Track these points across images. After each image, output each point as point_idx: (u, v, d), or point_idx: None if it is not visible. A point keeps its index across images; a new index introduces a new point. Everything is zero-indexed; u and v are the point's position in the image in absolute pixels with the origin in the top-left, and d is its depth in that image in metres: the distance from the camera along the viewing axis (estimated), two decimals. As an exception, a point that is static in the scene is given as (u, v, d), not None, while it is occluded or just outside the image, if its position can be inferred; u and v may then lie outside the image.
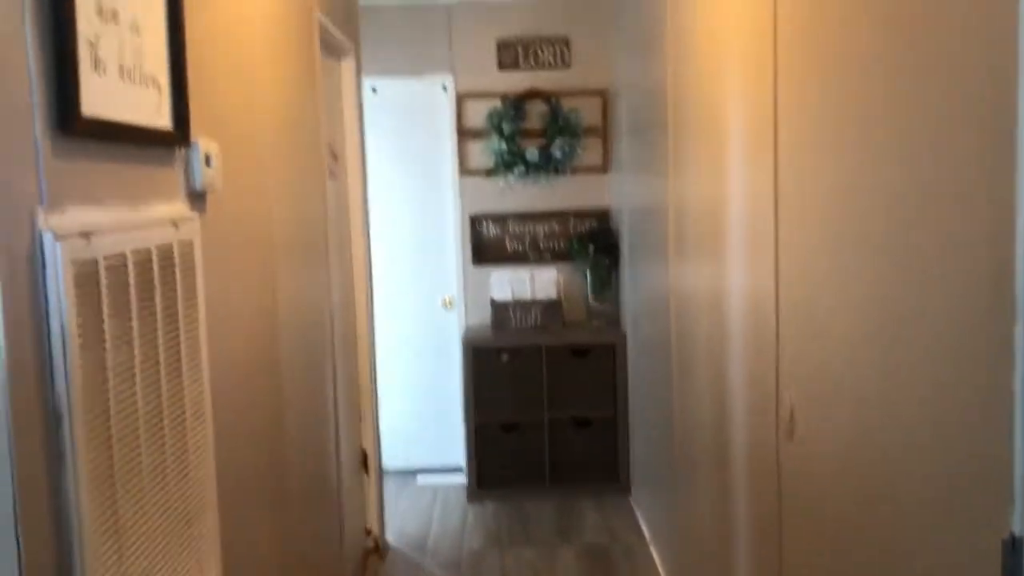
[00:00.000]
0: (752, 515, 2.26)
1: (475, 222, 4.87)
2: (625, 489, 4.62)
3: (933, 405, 1.26)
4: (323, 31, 3.14)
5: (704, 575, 2.89)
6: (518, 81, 4.77)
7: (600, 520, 4.35)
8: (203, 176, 1.70)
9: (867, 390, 1.49)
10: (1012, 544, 1.03)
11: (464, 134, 4.83)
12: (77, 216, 1.24)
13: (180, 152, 1.65)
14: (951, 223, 1.19)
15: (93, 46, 1.28)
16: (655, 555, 3.86)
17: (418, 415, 5.09)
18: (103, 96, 1.31)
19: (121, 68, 1.38)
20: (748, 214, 2.21)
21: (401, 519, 4.44)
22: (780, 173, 1.93)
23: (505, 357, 4.55)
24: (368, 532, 3.93)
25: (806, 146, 1.77)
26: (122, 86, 1.38)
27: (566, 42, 4.77)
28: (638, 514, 4.35)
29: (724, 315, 2.48)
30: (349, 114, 3.79)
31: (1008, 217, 1.03)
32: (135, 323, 1.35)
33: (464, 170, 4.86)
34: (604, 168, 4.82)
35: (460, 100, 4.82)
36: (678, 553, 3.34)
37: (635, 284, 4.28)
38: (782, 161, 1.92)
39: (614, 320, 4.78)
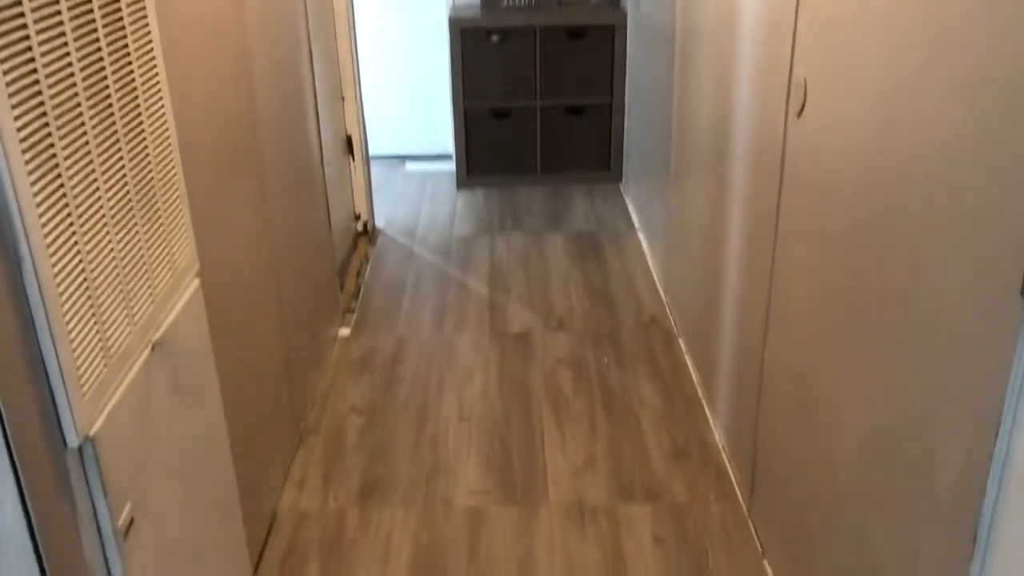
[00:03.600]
0: (749, 199, 2.19)
1: None
2: (616, 177, 4.57)
3: (962, 97, 1.11)
4: None
5: (692, 260, 2.90)
6: None
7: (590, 208, 4.33)
8: None
9: (891, 66, 1.33)
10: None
11: None
12: None
13: None
14: None
15: None
16: (643, 241, 3.89)
17: (405, 99, 4.90)
18: None
19: None
20: None
21: (390, 205, 4.42)
22: None
23: (495, 38, 4.27)
24: (357, 217, 3.91)
25: None
26: None
27: None
28: (628, 202, 4.33)
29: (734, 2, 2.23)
30: None
31: None
32: (56, -32, 1.14)
33: None
34: None
35: None
36: (667, 239, 3.34)
37: (639, -44, 3.91)
38: None
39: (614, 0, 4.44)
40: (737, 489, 2.33)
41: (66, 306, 1.12)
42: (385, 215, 4.29)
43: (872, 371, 1.42)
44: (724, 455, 2.46)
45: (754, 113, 2.12)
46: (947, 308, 1.16)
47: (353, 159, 3.78)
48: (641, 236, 3.95)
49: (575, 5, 4.45)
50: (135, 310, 1.33)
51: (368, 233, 3.98)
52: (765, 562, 2.08)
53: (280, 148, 2.48)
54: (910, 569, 1.28)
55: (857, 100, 1.48)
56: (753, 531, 2.18)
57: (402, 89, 4.87)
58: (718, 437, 2.54)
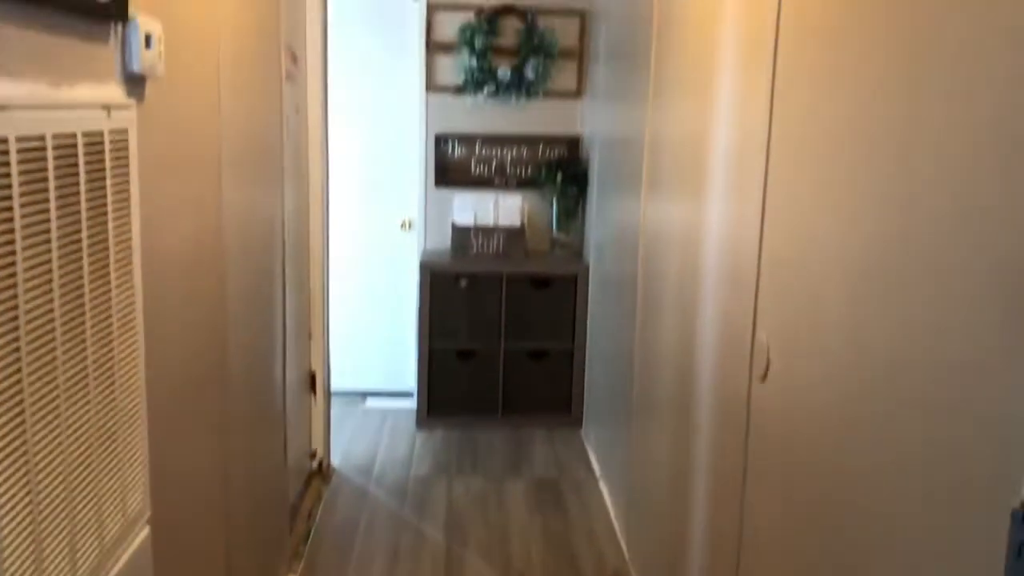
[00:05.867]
0: (714, 457, 2.19)
1: (440, 141, 4.68)
2: (577, 423, 4.57)
3: (932, 351, 1.16)
4: (288, -81, 2.90)
5: (657, 515, 2.84)
6: (493, -6, 4.54)
7: (551, 453, 4.29)
8: (142, 59, 1.51)
9: (858, 331, 1.39)
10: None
11: (433, 48, 4.60)
12: (-16, 86, 1.06)
13: (116, 29, 1.46)
14: (960, 174, 1.07)
15: None
16: (605, 491, 3.83)
17: (370, 337, 4.96)
18: (20, -52, 1.12)
19: (45, -81, 1.19)
20: (736, 151, 2.08)
21: (347, 442, 4.34)
22: (776, 109, 1.80)
23: (464, 283, 4.42)
24: (313, 455, 3.83)
25: (806, 78, 1.64)
26: (45, -60, 1.19)
27: (546, -44, 4.53)
28: (589, 450, 4.30)
29: (699, 252, 2.36)
30: (312, 13, 3.55)
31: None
32: (54, 217, 1.18)
33: (431, 86, 4.64)
34: (578, 93, 4.64)
35: (431, 11, 4.57)
36: (630, 490, 3.29)
37: (602, 216, 4.16)
38: (779, 96, 1.78)
39: (577, 251, 4.66)
40: None
41: (7, 551, 1.05)
42: (341, 451, 4.20)
43: (851, 651, 1.36)
44: None
45: (717, 371, 2.17)
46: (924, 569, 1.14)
47: (315, 396, 3.76)
48: (602, 484, 3.89)
49: (540, 256, 4.66)
50: (79, 560, 1.25)
51: (323, 472, 3.87)
52: None
53: (246, 385, 2.46)
54: None
55: (821, 365, 1.53)
56: None
57: (367, 325, 4.95)
58: None
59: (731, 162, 2.10)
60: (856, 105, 1.41)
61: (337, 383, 4.50)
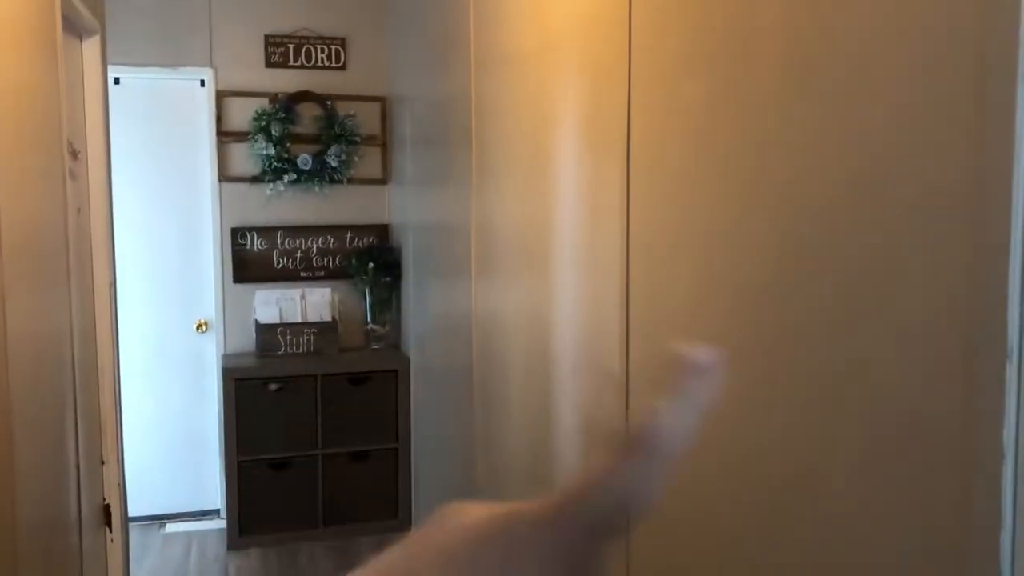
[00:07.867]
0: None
1: (237, 234, 4.37)
2: (406, 524, 4.31)
3: (812, 450, 1.10)
4: (64, 1, 2.60)
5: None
6: (289, 81, 4.35)
7: (381, 561, 4.00)
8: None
9: (750, 425, 1.32)
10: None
11: (225, 136, 4.32)
12: None
13: None
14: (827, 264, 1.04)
15: None
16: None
17: (167, 455, 4.46)
18: None
19: None
20: (585, 227, 2.01)
21: (149, 578, 3.83)
22: (634, 187, 1.74)
23: (273, 387, 4.08)
24: (111, 599, 3.32)
25: (666, 156, 1.60)
26: None
27: (342, 42, 4.42)
28: (421, 551, 4.05)
29: (549, 337, 2.27)
30: (93, 106, 3.20)
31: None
32: None
33: (225, 176, 4.34)
34: (384, 180, 4.51)
35: (220, 98, 4.31)
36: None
37: (422, 305, 4.01)
38: (636, 174, 1.73)
39: (394, 343, 4.46)
40: None
41: None
42: (143, 591, 3.69)
43: None
44: None
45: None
46: None
47: (111, 531, 3.27)
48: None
49: (356, 351, 4.42)
50: None
51: (124, 617, 3.36)
52: None
53: (34, 534, 2.06)
54: None
55: (715, 464, 1.45)
56: None
57: (162, 441, 4.45)
58: None
59: (580, 240, 2.03)
60: (725, 185, 1.37)
61: (131, 509, 3.99)
